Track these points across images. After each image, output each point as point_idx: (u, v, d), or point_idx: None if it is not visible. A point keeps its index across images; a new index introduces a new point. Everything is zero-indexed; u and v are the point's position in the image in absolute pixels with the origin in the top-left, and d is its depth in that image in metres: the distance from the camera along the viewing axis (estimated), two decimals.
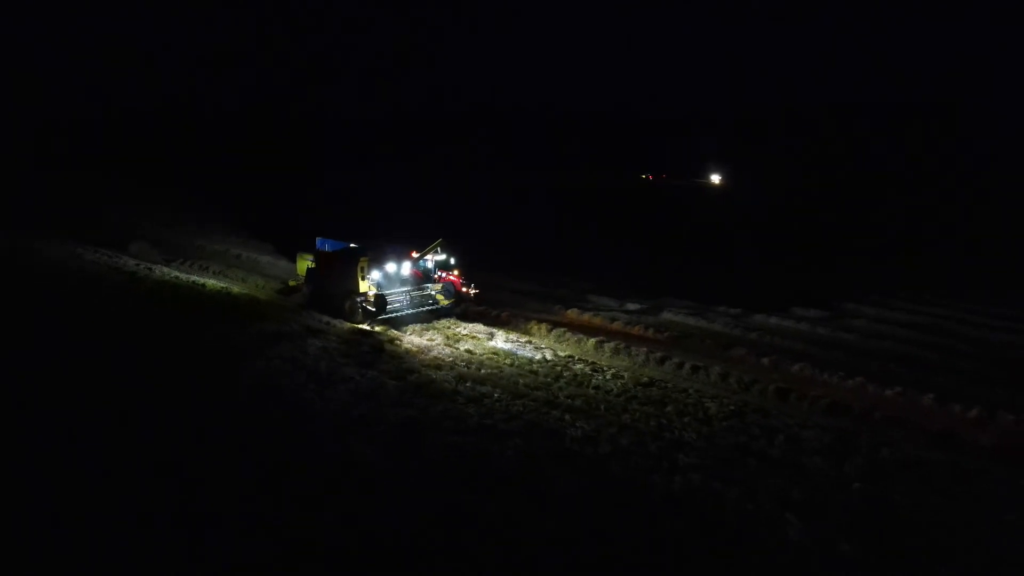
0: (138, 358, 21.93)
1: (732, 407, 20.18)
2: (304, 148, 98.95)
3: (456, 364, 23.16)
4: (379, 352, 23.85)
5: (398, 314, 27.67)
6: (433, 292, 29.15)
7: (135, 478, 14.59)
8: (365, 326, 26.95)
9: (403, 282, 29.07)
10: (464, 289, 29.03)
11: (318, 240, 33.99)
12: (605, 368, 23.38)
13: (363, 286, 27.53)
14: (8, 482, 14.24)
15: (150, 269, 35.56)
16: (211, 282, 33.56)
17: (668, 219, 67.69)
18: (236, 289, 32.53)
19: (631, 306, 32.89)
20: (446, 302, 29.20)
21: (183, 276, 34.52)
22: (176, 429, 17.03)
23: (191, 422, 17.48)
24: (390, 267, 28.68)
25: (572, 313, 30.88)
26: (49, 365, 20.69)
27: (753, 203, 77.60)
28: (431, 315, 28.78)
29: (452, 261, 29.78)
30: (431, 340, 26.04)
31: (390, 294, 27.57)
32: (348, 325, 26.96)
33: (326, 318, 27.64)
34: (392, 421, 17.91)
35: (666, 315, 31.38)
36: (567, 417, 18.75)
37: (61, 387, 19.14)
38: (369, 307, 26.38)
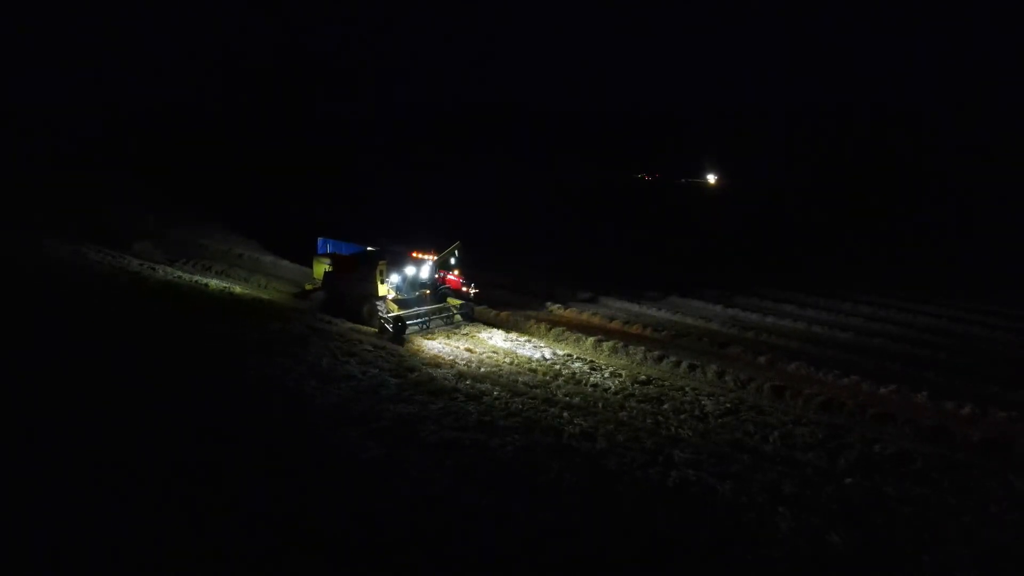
0: (140, 356, 22.20)
1: (728, 404, 20.48)
2: (308, 148, 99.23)
3: (456, 362, 23.47)
4: (380, 350, 24.15)
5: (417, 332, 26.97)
6: (453, 312, 28.56)
7: (136, 470, 14.88)
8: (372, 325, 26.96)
9: (422, 285, 28.78)
10: (464, 288, 29.24)
11: (319, 240, 34.32)
12: (603, 366, 23.68)
13: (382, 290, 27.30)
14: (12, 471, 14.55)
15: (153, 269, 35.87)
16: (214, 282, 33.86)
17: (659, 218, 68.12)
18: (239, 289, 32.83)
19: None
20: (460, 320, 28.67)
21: (186, 276, 34.82)
22: (178, 423, 17.33)
23: (193, 416, 17.77)
24: (409, 270, 28.27)
25: (570, 312, 31.21)
26: (52, 362, 20.97)
27: (746, 202, 78.07)
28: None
29: (452, 261, 29.98)
30: (431, 338, 26.35)
31: (411, 321, 26.62)
32: (350, 324, 27.24)
33: (328, 317, 27.94)
34: (392, 416, 18.23)
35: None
36: (565, 414, 19.05)
37: (63, 383, 19.43)
38: (388, 326, 25.83)
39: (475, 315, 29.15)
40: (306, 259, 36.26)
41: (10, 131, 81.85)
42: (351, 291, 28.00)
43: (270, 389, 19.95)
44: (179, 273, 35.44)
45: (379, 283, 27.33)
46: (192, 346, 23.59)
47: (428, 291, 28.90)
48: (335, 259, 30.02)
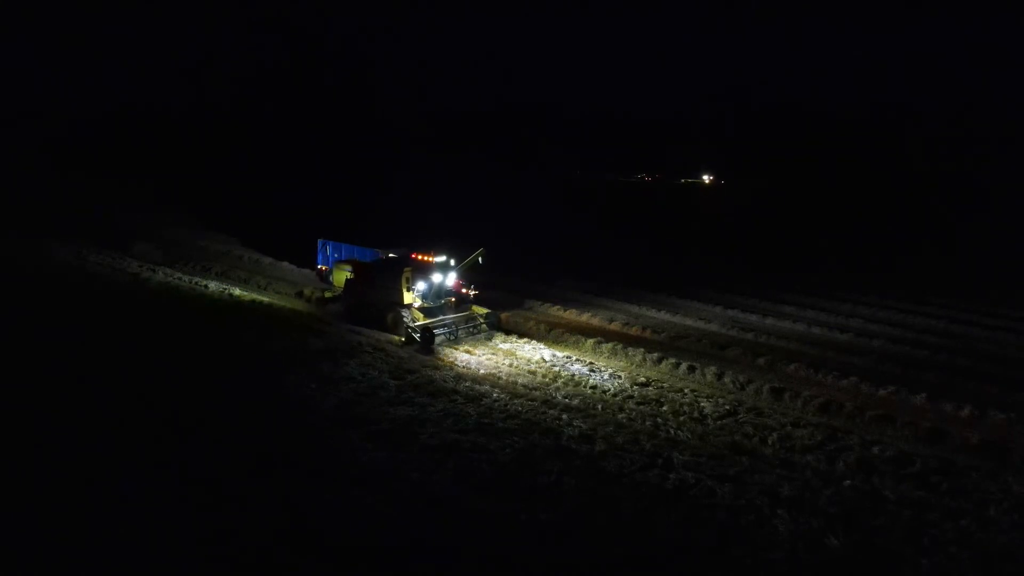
0: (138, 360, 22.24)
1: (727, 406, 20.48)
2: (308, 150, 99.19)
3: (455, 364, 23.48)
4: (380, 351, 24.15)
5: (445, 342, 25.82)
6: (480, 321, 27.46)
7: (137, 472, 14.91)
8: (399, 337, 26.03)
9: (447, 294, 27.96)
10: (464, 290, 29.16)
11: (319, 241, 34.34)
12: (602, 368, 23.69)
13: (407, 298, 26.49)
14: (12, 473, 14.58)
15: (153, 271, 35.89)
16: (213, 284, 33.86)
17: (660, 218, 68.14)
18: (238, 291, 32.83)
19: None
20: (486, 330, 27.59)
21: (186, 278, 34.83)
22: (179, 425, 17.35)
23: (194, 418, 17.80)
24: (436, 278, 27.29)
25: (570, 313, 31.22)
26: (48, 365, 21.02)
27: (745, 203, 78.11)
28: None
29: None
30: None
31: (439, 331, 25.60)
32: (348, 326, 27.20)
33: (327, 317, 27.91)
34: (392, 419, 18.25)
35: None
36: (564, 416, 19.07)
37: (57, 386, 19.47)
38: (415, 336, 25.07)
39: (496, 322, 27.98)
40: (306, 261, 36.35)
41: (11, 133, 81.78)
42: (375, 299, 27.10)
43: (270, 391, 19.98)
44: (179, 275, 35.45)
45: (404, 291, 26.49)
46: (191, 350, 23.60)
47: (453, 299, 28.09)
48: (357, 266, 29.13)
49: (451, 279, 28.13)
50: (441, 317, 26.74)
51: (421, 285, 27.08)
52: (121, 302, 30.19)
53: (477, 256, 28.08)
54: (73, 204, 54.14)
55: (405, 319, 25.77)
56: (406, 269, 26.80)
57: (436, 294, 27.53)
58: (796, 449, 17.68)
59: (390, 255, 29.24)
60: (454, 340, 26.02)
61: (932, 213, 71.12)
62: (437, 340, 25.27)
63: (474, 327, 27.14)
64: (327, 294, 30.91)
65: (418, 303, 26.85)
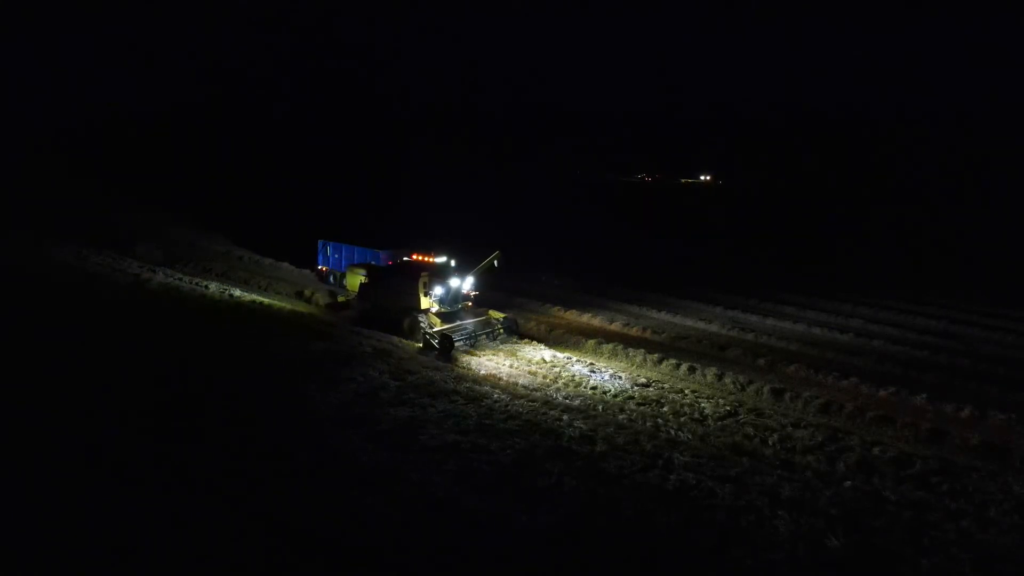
0: (138, 359, 22.24)
1: (727, 407, 20.49)
2: (307, 151, 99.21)
3: (456, 365, 23.48)
4: (380, 352, 24.15)
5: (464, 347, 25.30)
6: (498, 327, 26.83)
7: (136, 472, 14.93)
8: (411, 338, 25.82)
9: (464, 298, 27.48)
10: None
11: (320, 242, 34.42)
12: (603, 369, 23.71)
13: (425, 302, 26.00)
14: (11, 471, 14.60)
15: (153, 271, 35.89)
16: (214, 285, 33.85)
17: (661, 218, 68.13)
18: (238, 292, 32.83)
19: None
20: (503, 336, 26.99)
21: (186, 278, 34.82)
22: (179, 425, 17.36)
23: (194, 419, 17.80)
24: (453, 282, 26.81)
25: (571, 314, 31.27)
26: (44, 367, 21.02)
27: (745, 203, 78.08)
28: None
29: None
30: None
31: (457, 338, 25.01)
32: (349, 327, 27.20)
33: (329, 319, 27.90)
34: (392, 419, 18.25)
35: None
36: (565, 417, 19.07)
37: (63, 388, 19.47)
38: (434, 342, 24.51)
39: (514, 329, 27.37)
40: (306, 262, 36.43)
41: (11, 133, 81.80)
42: (391, 304, 26.64)
43: (270, 391, 19.98)
44: (179, 275, 35.45)
45: (421, 296, 26.01)
46: (191, 350, 23.58)
47: (470, 303, 27.67)
48: (371, 270, 28.76)
49: (468, 283, 27.57)
50: (459, 322, 26.08)
51: (438, 290, 26.48)
52: (121, 302, 30.19)
53: (493, 259, 27.44)
54: (74, 204, 54.13)
55: (422, 325, 25.27)
56: (423, 273, 26.26)
57: (453, 299, 26.92)
58: (797, 450, 17.69)
59: (404, 259, 28.89)
60: (473, 346, 25.52)
61: (932, 213, 71.13)
62: (456, 347, 24.74)
63: (492, 333, 26.51)
64: (340, 298, 30.39)
65: (435, 308, 26.30)
